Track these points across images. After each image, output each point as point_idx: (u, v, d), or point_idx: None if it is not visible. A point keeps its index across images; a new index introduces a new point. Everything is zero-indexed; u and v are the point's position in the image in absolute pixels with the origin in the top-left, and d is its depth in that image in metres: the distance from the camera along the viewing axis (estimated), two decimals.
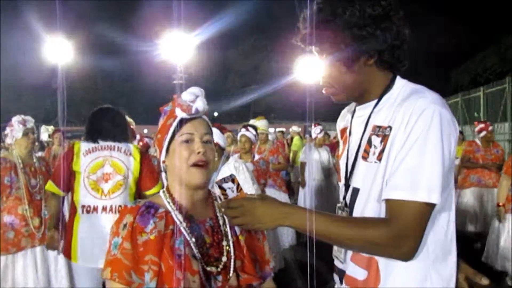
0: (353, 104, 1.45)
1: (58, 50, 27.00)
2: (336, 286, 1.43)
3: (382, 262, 1.21)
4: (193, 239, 1.23)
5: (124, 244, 1.17)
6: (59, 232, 3.10)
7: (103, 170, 2.92)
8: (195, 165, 1.25)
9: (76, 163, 2.91)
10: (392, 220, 1.13)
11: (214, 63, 47.35)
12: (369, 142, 1.27)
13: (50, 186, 3.02)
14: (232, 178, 1.28)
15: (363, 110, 1.35)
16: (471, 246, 5.87)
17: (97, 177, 2.90)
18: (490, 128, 5.91)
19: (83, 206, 2.89)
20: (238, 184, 1.28)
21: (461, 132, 12.21)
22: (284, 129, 17.23)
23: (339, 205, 1.39)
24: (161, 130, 1.33)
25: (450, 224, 1.23)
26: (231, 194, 1.27)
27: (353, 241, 1.17)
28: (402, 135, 1.15)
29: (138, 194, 3.08)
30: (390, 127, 1.21)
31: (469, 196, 5.96)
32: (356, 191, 1.30)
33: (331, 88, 1.31)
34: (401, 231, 1.11)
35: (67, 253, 2.95)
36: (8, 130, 3.65)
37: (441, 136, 1.12)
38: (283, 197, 5.75)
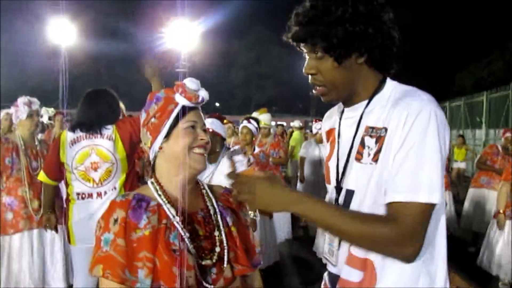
0: (340, 105, 1.44)
1: (61, 33, 26.86)
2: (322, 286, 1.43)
3: (378, 263, 1.22)
4: (187, 234, 1.21)
5: (117, 241, 1.14)
6: (55, 215, 3.17)
7: (90, 160, 2.88)
8: (198, 151, 1.26)
9: (63, 154, 2.90)
10: (398, 222, 1.12)
11: (218, 54, 47.15)
12: (362, 143, 1.27)
13: (42, 176, 3.02)
14: (244, 152, 1.28)
15: (353, 111, 1.34)
16: (466, 248, 5.92)
17: (85, 167, 2.88)
18: (507, 134, 5.91)
19: (77, 194, 2.92)
20: (249, 159, 1.27)
21: (461, 136, 12.23)
22: (284, 123, 17.20)
23: None
24: (158, 116, 1.27)
25: (441, 223, 1.26)
26: (240, 168, 1.27)
27: (360, 237, 1.17)
28: (400, 136, 1.15)
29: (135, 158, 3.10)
30: (385, 128, 1.21)
31: (475, 196, 6.07)
32: (350, 193, 1.29)
33: (321, 87, 1.30)
34: (407, 232, 1.12)
35: (67, 237, 3.01)
36: (12, 110, 3.64)
37: (438, 136, 1.14)
38: None
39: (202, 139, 1.26)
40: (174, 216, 1.22)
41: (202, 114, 1.33)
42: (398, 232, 1.12)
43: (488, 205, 5.87)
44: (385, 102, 1.26)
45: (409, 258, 1.15)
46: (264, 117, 5.88)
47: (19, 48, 38.22)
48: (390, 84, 1.30)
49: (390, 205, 1.15)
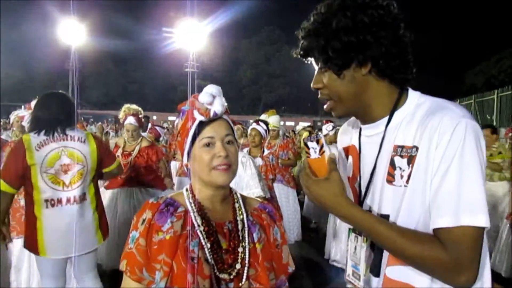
0: (355, 120, 1.40)
1: (71, 33, 27.14)
2: None
3: None
4: (208, 244, 1.21)
5: (140, 240, 1.18)
6: (6, 227, 2.96)
7: (60, 162, 2.82)
8: (217, 168, 1.23)
9: (31, 157, 2.77)
10: (447, 248, 1.05)
11: (227, 53, 47.28)
12: (392, 163, 1.19)
13: (2, 185, 2.77)
14: (317, 139, 1.24)
15: (373, 129, 1.28)
16: None
17: (55, 170, 2.81)
18: (511, 134, 5.85)
19: (46, 200, 2.80)
20: (322, 146, 1.24)
21: None
22: (293, 123, 17.18)
23: (355, 231, 1.32)
24: (181, 133, 1.30)
25: (484, 246, 1.14)
26: (314, 155, 1.25)
27: (412, 257, 1.10)
28: (435, 156, 1.08)
29: (99, 174, 3.09)
30: (416, 147, 1.13)
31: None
32: (385, 218, 1.20)
33: (329, 101, 1.27)
34: (458, 259, 1.04)
35: (33, 247, 2.84)
36: (26, 113, 3.66)
37: (477, 151, 1.06)
38: (291, 192, 5.75)
39: (220, 156, 1.23)
40: (199, 225, 1.23)
41: (225, 121, 1.30)
42: (451, 260, 1.04)
43: (495, 207, 5.80)
44: (410, 118, 1.18)
45: (463, 285, 1.07)
46: (273, 119, 5.86)
47: (28, 48, 38.57)
48: (413, 97, 1.23)
49: (436, 231, 1.08)
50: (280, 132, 6.27)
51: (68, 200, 2.85)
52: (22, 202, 3.42)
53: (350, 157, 1.41)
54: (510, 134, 5.85)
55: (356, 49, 1.16)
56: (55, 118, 2.86)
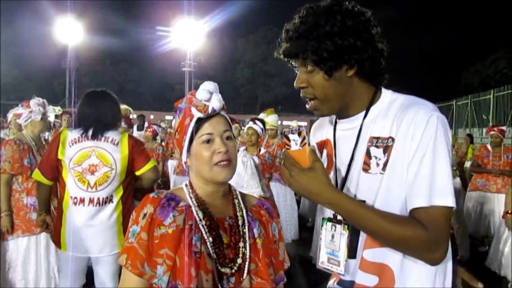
0: (331, 116, 1.47)
1: (67, 32, 27.05)
2: None
3: (396, 268, 1.24)
4: (211, 239, 1.22)
5: (141, 234, 1.19)
6: (51, 216, 3.08)
7: (89, 162, 2.80)
8: (218, 164, 1.24)
9: (62, 152, 2.82)
10: (427, 226, 1.15)
11: (223, 52, 47.18)
12: (368, 153, 1.29)
13: (37, 175, 2.92)
14: (299, 131, 1.26)
15: (350, 123, 1.36)
16: (476, 249, 5.91)
17: (82, 169, 2.80)
18: (492, 132, 5.93)
19: (71, 197, 2.83)
20: (304, 138, 1.25)
21: (469, 135, 12.12)
22: (290, 122, 17.22)
23: (329, 216, 1.37)
24: (179, 131, 1.31)
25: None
26: (294, 147, 1.26)
27: (393, 238, 1.19)
28: (411, 145, 1.19)
29: (132, 176, 2.97)
30: (392, 138, 1.24)
31: (474, 200, 6.05)
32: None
33: (313, 100, 1.32)
34: (436, 237, 1.16)
35: (56, 241, 2.92)
36: (23, 110, 3.63)
37: (446, 142, 1.19)
38: (288, 191, 5.77)
39: (219, 151, 1.25)
40: (200, 219, 1.24)
41: (223, 118, 1.32)
42: (430, 238, 1.15)
43: (485, 207, 5.88)
44: (385, 112, 1.30)
45: (437, 261, 1.19)
46: (271, 118, 5.87)
47: (25, 47, 38.41)
48: (386, 94, 1.34)
49: (413, 212, 1.19)
50: (278, 131, 6.28)
51: (91, 201, 2.81)
52: (26, 201, 3.48)
53: (324, 151, 1.49)
54: (491, 132, 5.91)
55: (348, 52, 1.24)
56: (97, 117, 2.86)
